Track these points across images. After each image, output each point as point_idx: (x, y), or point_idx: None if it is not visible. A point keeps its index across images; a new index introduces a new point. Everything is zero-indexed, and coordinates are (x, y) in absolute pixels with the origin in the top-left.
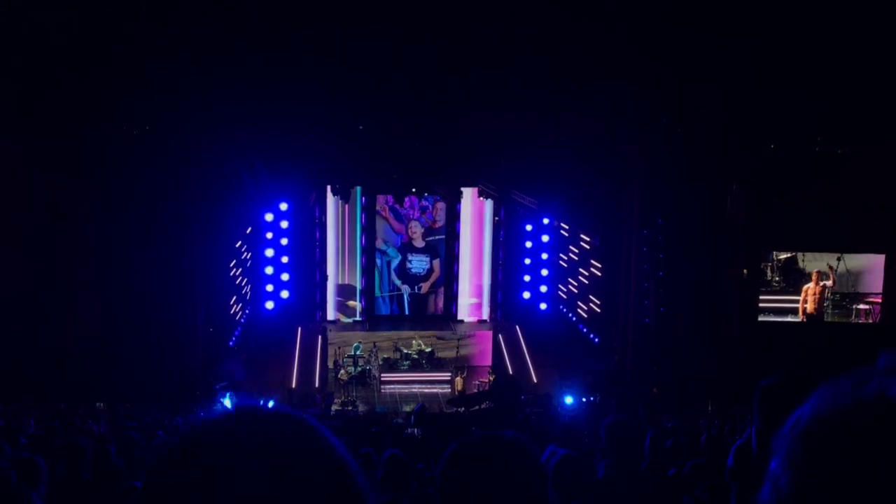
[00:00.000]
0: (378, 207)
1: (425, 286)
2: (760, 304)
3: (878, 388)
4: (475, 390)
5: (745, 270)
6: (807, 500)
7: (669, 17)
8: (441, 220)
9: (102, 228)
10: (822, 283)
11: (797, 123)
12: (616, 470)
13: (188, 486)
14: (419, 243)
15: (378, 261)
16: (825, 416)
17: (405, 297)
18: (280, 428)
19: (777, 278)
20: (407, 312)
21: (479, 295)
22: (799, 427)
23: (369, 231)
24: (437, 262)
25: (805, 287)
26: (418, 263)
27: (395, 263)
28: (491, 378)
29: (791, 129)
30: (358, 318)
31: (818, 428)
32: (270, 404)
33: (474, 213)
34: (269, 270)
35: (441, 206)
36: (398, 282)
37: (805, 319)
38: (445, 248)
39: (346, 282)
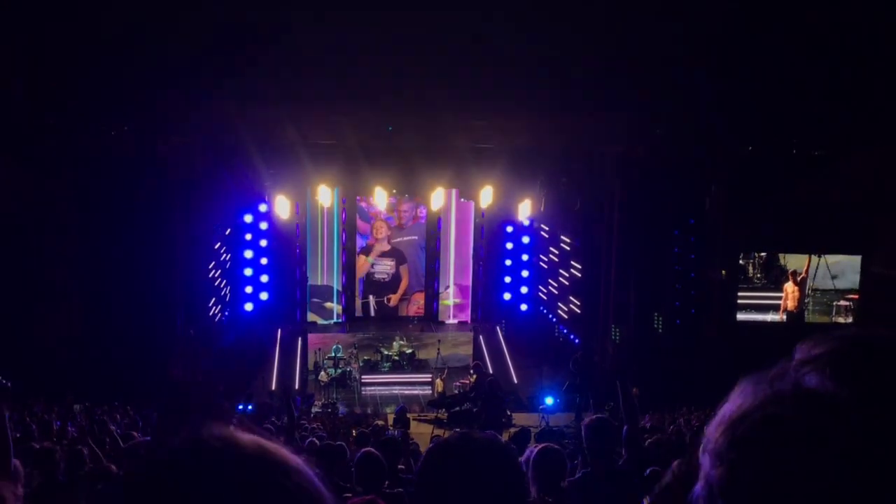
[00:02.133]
0: (344, 206)
1: (394, 298)
2: (742, 301)
3: (793, 380)
4: (456, 391)
5: (723, 271)
6: (735, 493)
7: (649, 22)
8: (409, 219)
9: (82, 229)
10: (799, 280)
11: (774, 126)
12: (595, 466)
13: None
14: (384, 246)
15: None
16: (746, 411)
17: (371, 306)
18: (257, 470)
19: (759, 275)
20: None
21: (461, 296)
22: (723, 424)
23: (349, 228)
24: (403, 268)
25: (785, 286)
26: (381, 268)
27: (363, 271)
28: (472, 379)
29: (768, 132)
30: (337, 320)
31: (740, 423)
32: (249, 407)
33: (455, 214)
34: (248, 272)
35: (408, 204)
36: (367, 298)
37: (785, 317)
38: (426, 248)
39: (324, 283)
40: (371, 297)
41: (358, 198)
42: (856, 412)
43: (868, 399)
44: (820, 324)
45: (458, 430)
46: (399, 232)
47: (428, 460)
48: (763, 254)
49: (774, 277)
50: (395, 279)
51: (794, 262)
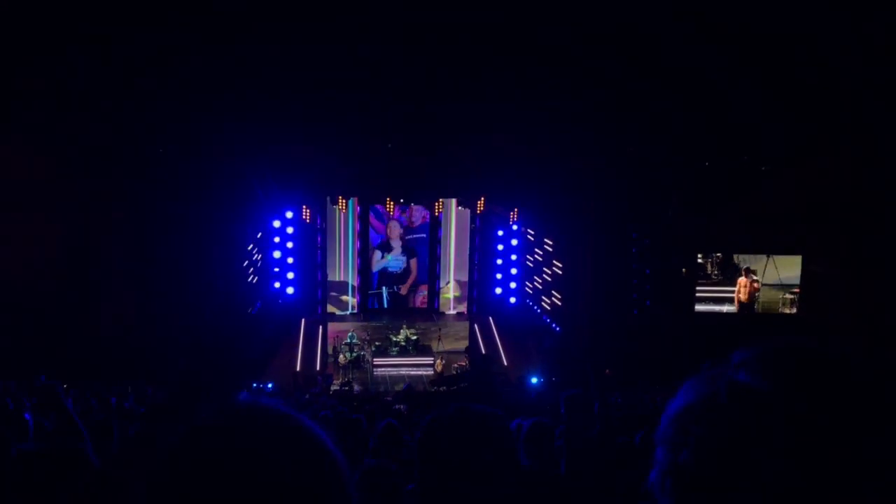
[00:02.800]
0: (359, 217)
1: (404, 288)
2: (701, 294)
3: (729, 378)
4: (454, 372)
5: (684, 269)
6: (682, 475)
7: (619, 50)
8: (418, 220)
9: (134, 233)
10: (750, 277)
11: (727, 144)
12: (571, 434)
13: (194, 483)
14: (396, 242)
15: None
16: (691, 405)
17: (384, 296)
18: (274, 426)
19: (716, 272)
20: (386, 307)
21: (460, 290)
22: (672, 417)
23: (363, 236)
24: (413, 262)
25: (738, 280)
26: (395, 262)
27: (380, 265)
28: (466, 361)
29: (722, 149)
30: (352, 311)
31: (685, 415)
32: (269, 386)
33: (455, 220)
34: (276, 269)
35: (417, 207)
36: (381, 290)
37: (739, 308)
38: (429, 251)
39: (341, 279)
40: (384, 288)
41: (387, 206)
42: (777, 401)
43: (787, 391)
44: (768, 313)
45: (454, 404)
46: (410, 230)
47: (427, 430)
48: (719, 254)
49: (730, 274)
50: (406, 272)
51: (747, 261)
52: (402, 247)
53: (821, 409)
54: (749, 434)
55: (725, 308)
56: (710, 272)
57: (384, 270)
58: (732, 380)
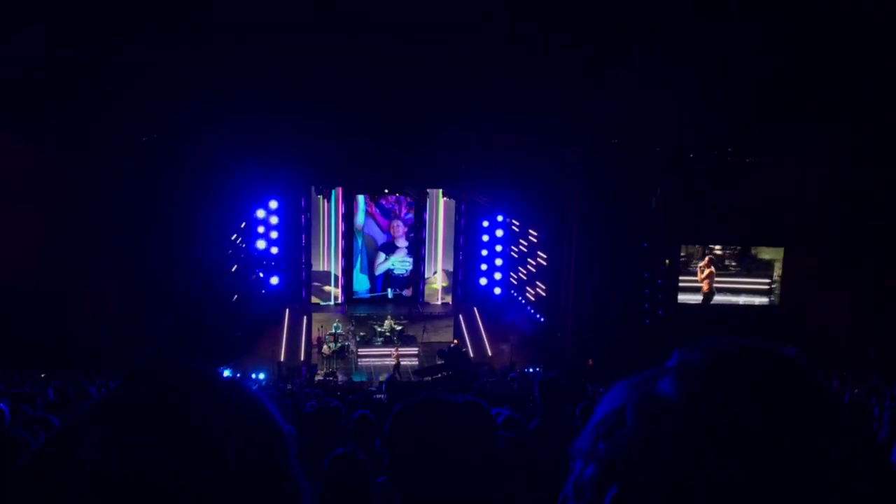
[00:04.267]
0: (366, 205)
1: (409, 291)
2: (719, 285)
3: (649, 385)
4: (440, 363)
5: (667, 261)
6: (588, 487)
7: (604, 41)
8: (418, 216)
9: (116, 222)
10: (710, 268)
11: (713, 136)
12: (546, 417)
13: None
14: (401, 242)
15: (362, 260)
16: (607, 414)
17: (389, 296)
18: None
19: (733, 263)
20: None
21: (447, 280)
22: (591, 425)
23: (347, 235)
24: (420, 263)
25: (700, 266)
26: (401, 265)
27: (383, 268)
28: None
29: (707, 141)
30: (336, 302)
31: (601, 425)
32: (262, 376)
33: (443, 212)
34: (261, 259)
35: (409, 202)
36: (385, 292)
37: (703, 299)
38: (414, 241)
39: (325, 269)
40: (389, 289)
41: (374, 196)
42: (682, 415)
43: (693, 405)
44: (750, 305)
45: (424, 393)
46: (416, 229)
47: (395, 420)
48: (736, 246)
49: (746, 266)
50: (413, 276)
51: (768, 253)
52: (408, 247)
53: (724, 428)
54: (651, 451)
55: (741, 299)
56: (727, 264)
57: (389, 273)
58: (651, 388)
